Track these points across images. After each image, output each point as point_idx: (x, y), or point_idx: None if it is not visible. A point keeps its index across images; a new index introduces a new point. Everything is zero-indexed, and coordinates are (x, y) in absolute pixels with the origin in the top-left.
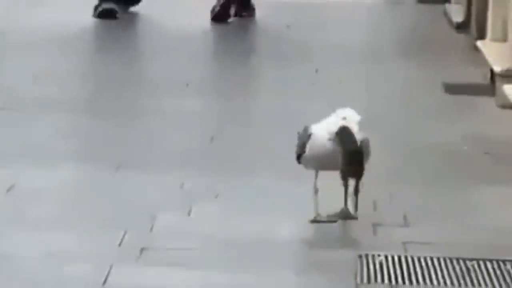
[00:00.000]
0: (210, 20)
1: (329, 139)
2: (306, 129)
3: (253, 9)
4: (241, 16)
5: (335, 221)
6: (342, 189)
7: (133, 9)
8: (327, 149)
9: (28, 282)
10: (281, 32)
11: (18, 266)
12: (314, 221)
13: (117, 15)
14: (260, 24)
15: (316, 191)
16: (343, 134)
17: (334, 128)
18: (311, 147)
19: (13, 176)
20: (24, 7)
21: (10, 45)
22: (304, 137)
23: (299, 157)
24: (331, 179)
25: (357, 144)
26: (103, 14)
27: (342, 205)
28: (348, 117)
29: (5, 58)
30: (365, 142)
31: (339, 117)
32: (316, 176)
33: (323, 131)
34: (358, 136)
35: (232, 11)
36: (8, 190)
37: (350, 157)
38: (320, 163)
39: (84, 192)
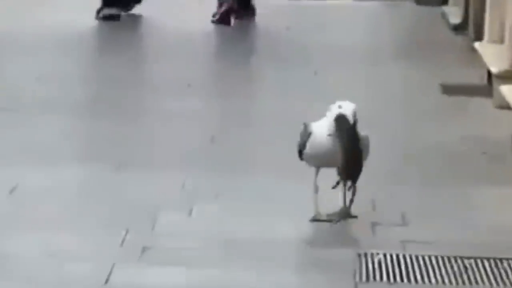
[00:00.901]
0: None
1: (329, 135)
2: (306, 126)
3: (254, 10)
4: (241, 18)
5: (335, 220)
6: (341, 187)
7: (135, 10)
8: (327, 146)
9: (30, 282)
10: (281, 34)
11: (20, 266)
12: (314, 219)
13: (120, 18)
14: (260, 26)
15: (316, 189)
16: (340, 121)
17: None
18: (312, 145)
19: (16, 177)
20: (25, 8)
21: (12, 46)
22: (305, 135)
23: (300, 154)
24: (331, 178)
25: (354, 128)
26: (106, 18)
27: (341, 203)
28: (343, 105)
29: (7, 59)
30: (365, 141)
31: (336, 107)
32: (317, 174)
33: (322, 128)
34: (360, 132)
35: (232, 21)
36: (11, 191)
37: (348, 156)
38: (320, 160)
39: (86, 192)
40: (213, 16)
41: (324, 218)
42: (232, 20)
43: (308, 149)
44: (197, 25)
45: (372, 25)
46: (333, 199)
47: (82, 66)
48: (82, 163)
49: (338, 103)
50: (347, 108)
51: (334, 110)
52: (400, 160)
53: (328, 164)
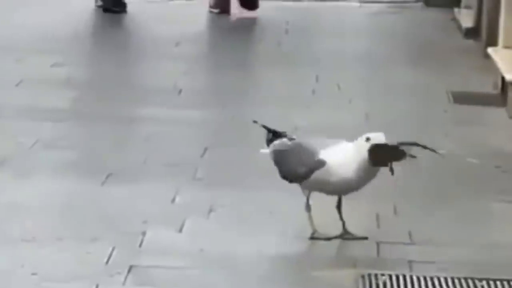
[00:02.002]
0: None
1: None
2: (307, 150)
3: (256, 2)
4: (243, 7)
5: (334, 238)
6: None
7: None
8: (351, 179)
9: None
10: (281, 36)
11: None
12: (312, 238)
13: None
14: (259, 27)
15: (309, 209)
16: (378, 148)
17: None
18: (326, 174)
19: None
20: (4, 8)
21: None
22: (312, 163)
23: (299, 179)
24: (322, 196)
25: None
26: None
27: (339, 220)
28: (373, 136)
29: None
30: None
31: (363, 139)
32: (310, 194)
33: (344, 159)
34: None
35: (233, 12)
36: None
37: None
38: (329, 189)
39: (70, 205)
40: (211, 6)
41: (322, 236)
42: (233, 12)
43: (319, 176)
44: (190, 28)
45: (379, 29)
46: (329, 216)
47: (67, 71)
48: (65, 174)
49: (366, 135)
50: (377, 139)
51: (361, 143)
52: (407, 173)
53: (335, 192)
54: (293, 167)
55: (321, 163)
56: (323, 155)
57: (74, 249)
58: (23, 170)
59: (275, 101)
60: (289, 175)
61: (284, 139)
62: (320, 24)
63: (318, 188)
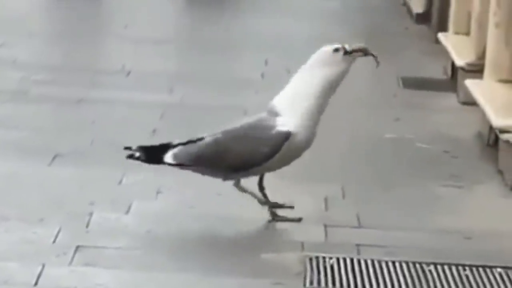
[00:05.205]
0: None
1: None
2: (270, 126)
3: None
4: None
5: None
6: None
7: None
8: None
9: None
10: (230, 20)
11: None
12: (273, 216)
13: None
14: (209, 10)
15: (243, 188)
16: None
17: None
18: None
19: None
20: None
21: None
22: (275, 136)
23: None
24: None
25: None
26: None
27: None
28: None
29: None
30: None
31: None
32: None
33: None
34: None
35: None
36: None
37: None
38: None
39: (16, 186)
40: None
41: (283, 218)
42: None
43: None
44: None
45: (329, 13)
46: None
47: (16, 50)
48: (12, 155)
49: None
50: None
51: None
52: (355, 157)
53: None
54: (253, 149)
55: (286, 133)
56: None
57: (20, 229)
58: None
59: (224, 85)
60: (247, 162)
61: (193, 144)
62: (269, 8)
63: (277, 166)
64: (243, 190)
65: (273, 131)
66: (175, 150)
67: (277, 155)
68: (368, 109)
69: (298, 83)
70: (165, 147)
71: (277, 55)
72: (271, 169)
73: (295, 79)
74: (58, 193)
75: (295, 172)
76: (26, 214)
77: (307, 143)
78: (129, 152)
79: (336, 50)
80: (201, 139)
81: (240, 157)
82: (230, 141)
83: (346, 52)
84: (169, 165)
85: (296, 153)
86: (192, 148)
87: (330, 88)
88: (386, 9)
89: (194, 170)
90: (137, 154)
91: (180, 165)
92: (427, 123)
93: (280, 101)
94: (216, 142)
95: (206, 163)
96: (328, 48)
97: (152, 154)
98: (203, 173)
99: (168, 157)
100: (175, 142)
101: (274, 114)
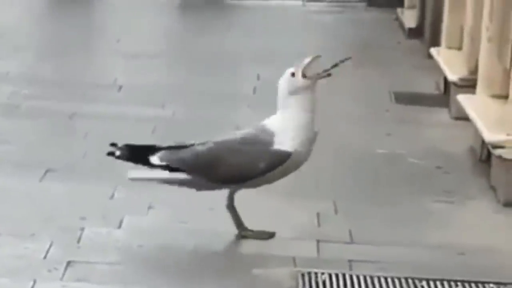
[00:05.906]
0: None
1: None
2: (268, 142)
3: None
4: None
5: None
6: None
7: None
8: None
9: None
10: (223, 35)
11: None
12: (243, 235)
13: None
14: (202, 25)
15: (234, 207)
16: None
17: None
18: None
19: None
20: None
21: None
22: (280, 156)
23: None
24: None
25: None
26: None
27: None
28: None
29: None
30: None
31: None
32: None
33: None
34: None
35: None
36: None
37: None
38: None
39: (7, 201)
40: None
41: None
42: None
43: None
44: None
45: (322, 28)
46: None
47: (4, 64)
48: (3, 169)
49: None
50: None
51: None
52: (347, 173)
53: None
54: (249, 163)
55: (287, 154)
56: (278, 140)
57: (11, 244)
58: None
59: (216, 100)
60: (242, 174)
61: (183, 150)
62: (263, 23)
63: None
64: (232, 211)
65: (272, 148)
66: (162, 152)
67: (278, 169)
68: (360, 124)
69: (281, 111)
70: (152, 149)
71: (270, 69)
72: (268, 182)
73: (278, 108)
74: (50, 208)
75: (287, 188)
76: (18, 229)
77: (304, 158)
78: (110, 150)
79: (293, 75)
80: (191, 145)
81: (237, 169)
82: (225, 152)
83: (304, 76)
84: (154, 166)
85: (295, 169)
86: (183, 153)
87: (310, 108)
88: (378, 24)
89: (181, 183)
90: (117, 153)
91: (167, 167)
92: (419, 139)
93: (272, 122)
94: (209, 151)
95: (199, 171)
96: (286, 74)
97: (138, 154)
98: (190, 184)
99: (155, 158)
100: (163, 145)
101: (269, 133)
